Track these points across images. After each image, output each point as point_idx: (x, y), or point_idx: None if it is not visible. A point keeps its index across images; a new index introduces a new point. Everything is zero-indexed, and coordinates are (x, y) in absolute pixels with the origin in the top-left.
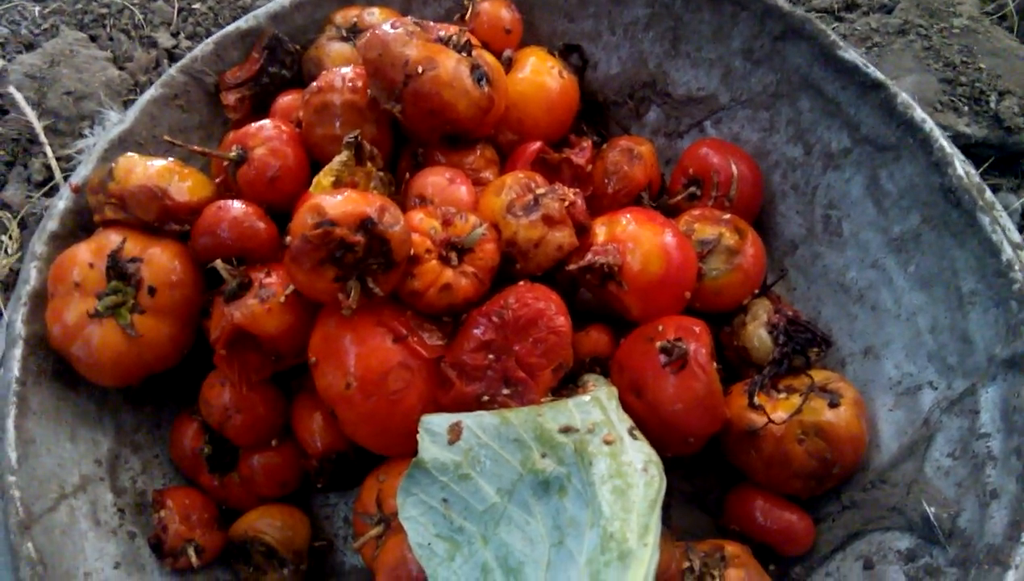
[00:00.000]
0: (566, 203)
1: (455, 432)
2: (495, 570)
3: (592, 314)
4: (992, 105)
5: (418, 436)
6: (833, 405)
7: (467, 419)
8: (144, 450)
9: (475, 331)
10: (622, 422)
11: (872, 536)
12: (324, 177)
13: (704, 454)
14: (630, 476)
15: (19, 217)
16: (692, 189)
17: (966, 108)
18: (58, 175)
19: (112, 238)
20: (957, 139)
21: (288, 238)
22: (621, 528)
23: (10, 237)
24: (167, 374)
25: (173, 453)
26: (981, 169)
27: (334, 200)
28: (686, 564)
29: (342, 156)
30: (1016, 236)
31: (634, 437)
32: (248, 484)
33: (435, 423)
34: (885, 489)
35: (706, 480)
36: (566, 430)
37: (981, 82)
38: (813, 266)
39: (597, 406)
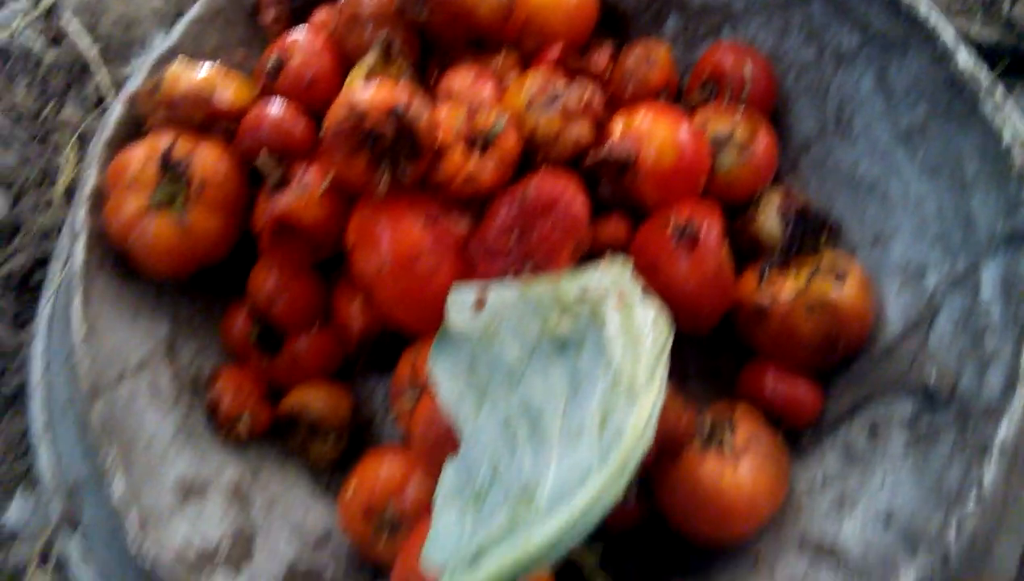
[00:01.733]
0: (584, 99)
1: (480, 302)
2: (517, 418)
3: (611, 208)
4: (1005, 10)
5: (446, 306)
6: (839, 281)
7: (491, 290)
8: (198, 337)
9: (498, 214)
10: (634, 286)
11: (877, 406)
12: (355, 74)
13: (719, 335)
14: (639, 331)
15: (76, 135)
16: (708, 90)
17: (979, 14)
18: (111, 96)
19: (163, 140)
20: (969, 43)
21: (324, 129)
22: (630, 371)
23: (69, 154)
24: (218, 269)
25: (224, 339)
26: (995, 72)
27: (365, 92)
28: (697, 423)
29: (372, 54)
30: (1022, 128)
31: (644, 298)
32: (294, 364)
33: (462, 294)
34: (890, 363)
35: (721, 359)
36: (582, 296)
37: None
38: (825, 163)
39: (611, 274)
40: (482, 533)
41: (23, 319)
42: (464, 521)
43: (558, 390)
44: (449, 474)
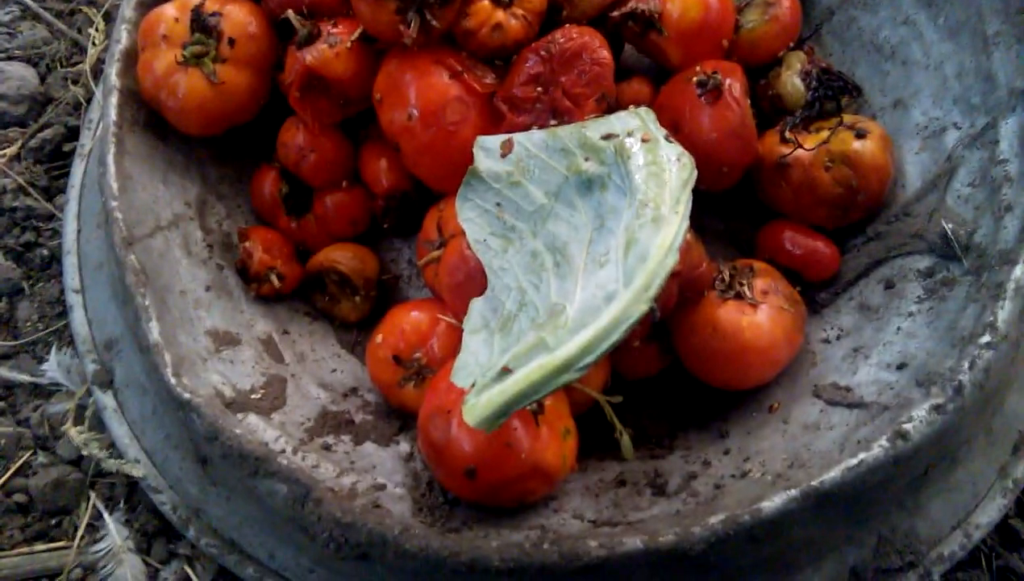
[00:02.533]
0: None
1: (507, 147)
2: (543, 252)
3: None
4: None
5: (473, 151)
6: (860, 137)
7: (518, 136)
8: (228, 198)
9: (525, 65)
10: (659, 129)
11: (894, 261)
12: None
13: (739, 195)
14: (664, 164)
15: (104, 11)
16: None
17: None
18: None
19: None
20: None
21: None
22: (655, 199)
23: (96, 29)
24: (247, 134)
25: (254, 200)
26: None
27: None
28: (718, 273)
29: None
30: None
31: (668, 139)
32: (322, 223)
33: (489, 141)
34: (908, 220)
35: (739, 221)
36: (608, 136)
37: None
38: (848, 30)
39: (636, 117)
40: (510, 352)
41: (54, 188)
42: (492, 344)
43: (584, 225)
44: (477, 308)
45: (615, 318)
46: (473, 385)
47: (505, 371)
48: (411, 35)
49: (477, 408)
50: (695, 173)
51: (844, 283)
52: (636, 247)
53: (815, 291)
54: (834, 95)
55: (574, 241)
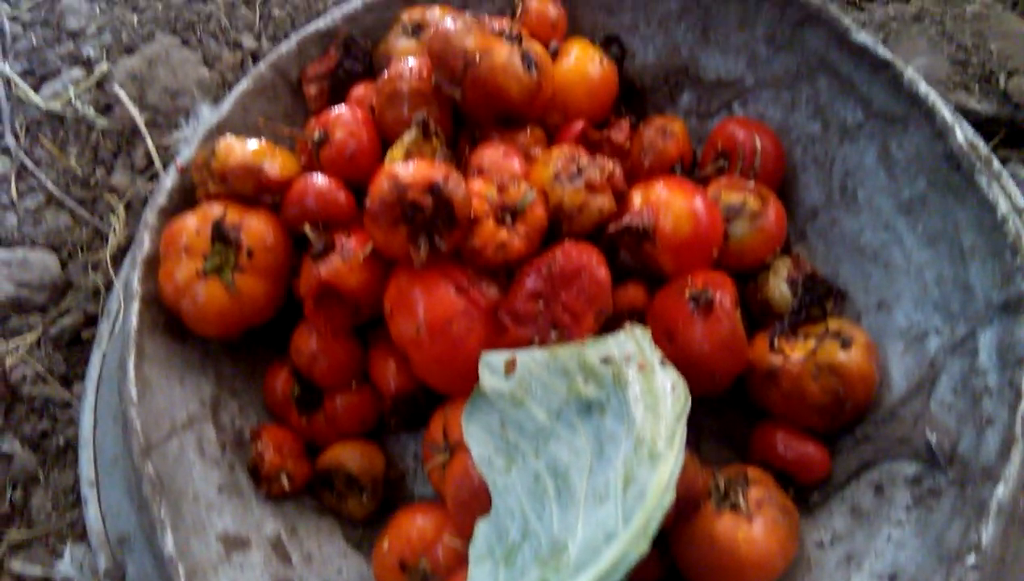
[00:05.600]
0: (606, 173)
1: (511, 365)
2: (545, 476)
3: (630, 274)
4: (1001, 84)
5: (479, 370)
6: (845, 347)
7: (521, 354)
8: (241, 395)
9: (527, 282)
10: (654, 353)
11: (883, 465)
12: (395, 151)
13: (732, 397)
14: (659, 395)
15: (125, 200)
16: (720, 162)
17: (976, 87)
18: (158, 162)
19: (215, 209)
20: (968, 116)
21: (367, 201)
22: (651, 435)
23: (117, 217)
24: (261, 331)
25: (266, 397)
26: (992, 143)
27: (406, 168)
28: (712, 484)
29: (411, 133)
30: (1021, 201)
31: (664, 365)
32: (332, 422)
33: (493, 358)
34: (895, 424)
35: (733, 420)
36: (606, 360)
37: (991, 63)
38: (832, 231)
39: (632, 341)
40: None
41: (72, 375)
42: (497, 576)
43: (584, 450)
44: (481, 532)
45: (615, 561)
46: None
47: None
48: (421, 258)
49: None
50: (689, 403)
51: (836, 484)
52: (634, 485)
53: (809, 491)
54: (820, 301)
55: (575, 467)
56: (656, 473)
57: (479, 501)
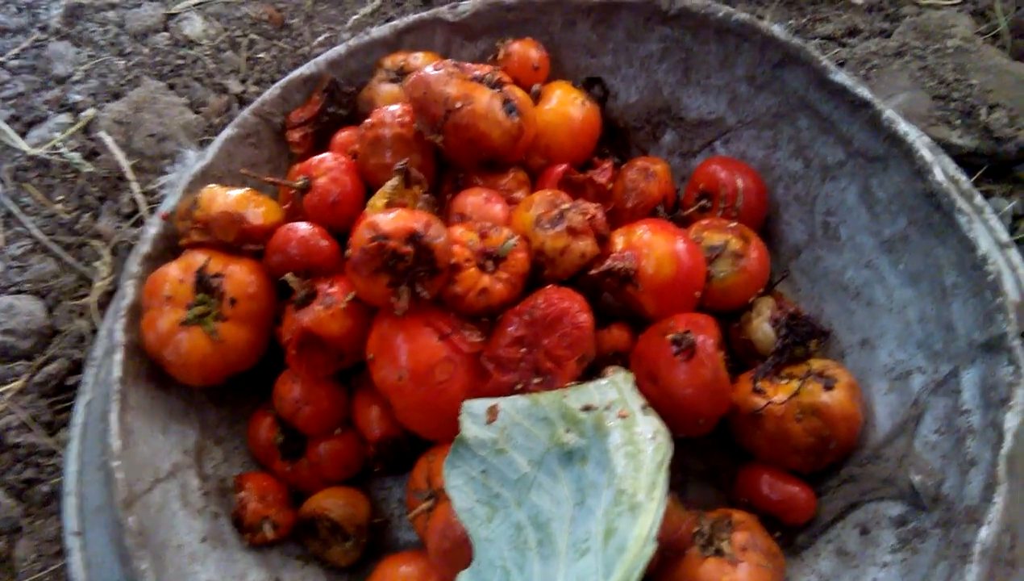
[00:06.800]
0: (588, 216)
1: (492, 413)
2: (527, 527)
3: (613, 315)
4: (983, 117)
5: (460, 418)
6: (828, 388)
7: (503, 402)
8: (225, 442)
9: (509, 328)
10: (635, 400)
11: (868, 506)
12: (378, 199)
13: (717, 437)
14: (640, 443)
15: (111, 245)
16: (703, 202)
17: (958, 121)
18: (144, 207)
19: (198, 257)
20: (950, 150)
21: (348, 251)
22: (632, 485)
23: (103, 263)
24: (244, 378)
25: (250, 444)
26: (974, 177)
27: (387, 217)
28: (697, 528)
29: (393, 181)
30: (1004, 235)
31: (645, 412)
32: (315, 469)
33: (475, 406)
34: (879, 464)
35: (719, 460)
36: (587, 408)
37: (972, 97)
38: (814, 268)
39: (614, 387)
40: None
41: (57, 423)
42: None
43: (566, 500)
44: None
45: None
46: None
47: None
48: (402, 307)
49: None
50: (671, 450)
51: (822, 525)
52: (615, 538)
53: (794, 532)
54: (803, 341)
55: (556, 518)
56: (636, 525)
57: (461, 552)
